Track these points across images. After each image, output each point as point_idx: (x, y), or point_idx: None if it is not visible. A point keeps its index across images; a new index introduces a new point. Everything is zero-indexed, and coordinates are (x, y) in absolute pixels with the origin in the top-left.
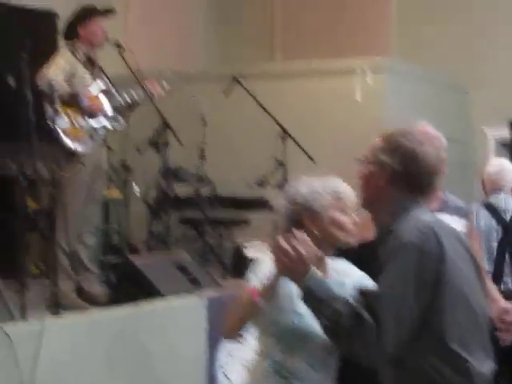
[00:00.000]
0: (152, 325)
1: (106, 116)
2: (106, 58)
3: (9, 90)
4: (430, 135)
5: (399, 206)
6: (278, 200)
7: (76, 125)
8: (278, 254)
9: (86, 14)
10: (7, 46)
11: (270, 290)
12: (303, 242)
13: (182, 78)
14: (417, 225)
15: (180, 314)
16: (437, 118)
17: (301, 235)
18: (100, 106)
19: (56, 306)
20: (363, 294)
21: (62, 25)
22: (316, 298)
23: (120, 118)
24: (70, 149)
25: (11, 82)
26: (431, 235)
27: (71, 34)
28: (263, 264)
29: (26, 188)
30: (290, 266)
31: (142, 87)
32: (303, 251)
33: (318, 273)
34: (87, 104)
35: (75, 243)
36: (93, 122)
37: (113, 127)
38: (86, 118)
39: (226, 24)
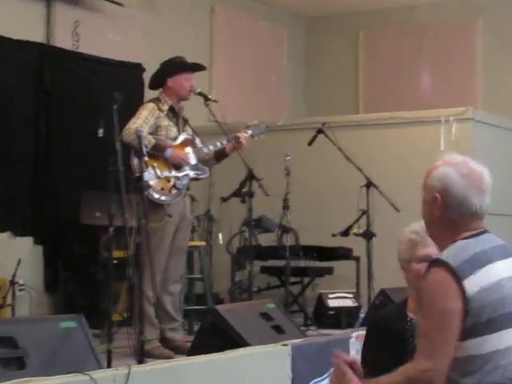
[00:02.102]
0: (236, 373)
1: (191, 167)
2: (192, 109)
3: (98, 140)
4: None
5: None
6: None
7: (161, 176)
8: None
9: (177, 67)
10: (96, 97)
11: None
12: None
13: (269, 128)
14: None
15: (265, 362)
16: None
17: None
18: (185, 157)
19: (141, 354)
20: None
21: (148, 77)
22: None
23: (205, 168)
24: (156, 200)
25: (101, 132)
26: None
27: (158, 84)
28: None
29: (113, 238)
30: None
31: (228, 138)
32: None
33: None
34: (172, 155)
35: (160, 292)
36: (178, 173)
37: (198, 177)
38: (171, 168)
39: (311, 79)
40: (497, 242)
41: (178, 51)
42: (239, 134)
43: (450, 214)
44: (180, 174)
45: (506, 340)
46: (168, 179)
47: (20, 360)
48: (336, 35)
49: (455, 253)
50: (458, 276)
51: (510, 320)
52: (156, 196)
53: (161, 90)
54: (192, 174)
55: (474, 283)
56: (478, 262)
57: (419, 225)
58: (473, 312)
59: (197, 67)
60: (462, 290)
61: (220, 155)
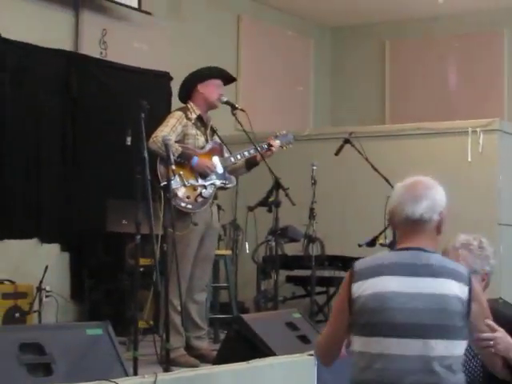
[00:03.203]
0: (262, 382)
1: (217, 175)
2: (219, 118)
3: (125, 148)
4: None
5: None
6: None
7: (187, 184)
8: None
9: (210, 72)
10: (123, 105)
11: None
12: None
13: (295, 138)
14: None
15: (290, 372)
16: None
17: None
18: (211, 166)
19: (167, 362)
20: None
21: (175, 86)
22: None
23: (232, 177)
24: (182, 208)
25: (129, 141)
26: None
27: (188, 92)
28: None
29: (140, 246)
30: None
31: (255, 147)
32: None
33: None
34: (198, 164)
35: (186, 300)
36: (204, 182)
37: (224, 187)
38: (198, 177)
39: (338, 89)
40: (416, 261)
41: (205, 60)
42: (272, 142)
43: (392, 223)
44: (206, 183)
45: (381, 347)
46: (194, 188)
47: (47, 366)
48: (362, 45)
49: (369, 259)
50: (351, 279)
51: (388, 330)
52: (182, 204)
53: (189, 100)
54: (218, 182)
55: (359, 288)
56: (373, 271)
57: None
58: (354, 312)
59: (228, 76)
60: (350, 292)
61: (251, 164)
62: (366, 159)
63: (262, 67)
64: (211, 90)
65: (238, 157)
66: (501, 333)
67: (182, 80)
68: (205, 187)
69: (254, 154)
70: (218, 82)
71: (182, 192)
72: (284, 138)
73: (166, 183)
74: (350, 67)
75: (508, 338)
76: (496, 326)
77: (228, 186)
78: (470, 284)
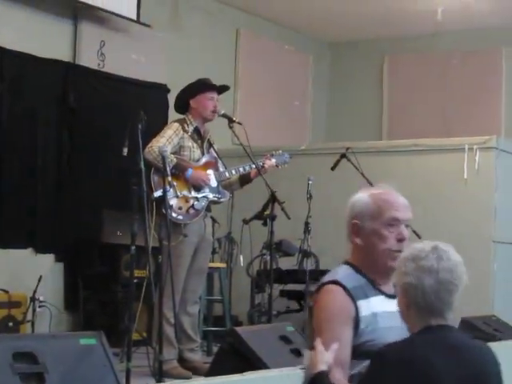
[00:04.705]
0: None
1: (211, 189)
2: (216, 131)
3: (122, 159)
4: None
5: None
6: None
7: (179, 195)
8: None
9: (197, 87)
10: (120, 117)
11: None
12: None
13: (292, 152)
14: None
15: None
16: None
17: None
18: (205, 179)
19: (160, 373)
20: None
21: (173, 98)
22: None
23: (225, 192)
24: (173, 219)
25: (125, 151)
26: None
27: (182, 106)
28: None
29: (135, 257)
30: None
31: (252, 161)
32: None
33: None
34: (192, 176)
35: (179, 312)
36: (197, 194)
37: (217, 201)
38: (191, 189)
39: (335, 104)
40: None
41: (202, 73)
42: (267, 161)
43: None
44: (199, 195)
45: None
46: (186, 199)
47: (40, 376)
48: (360, 61)
49: None
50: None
51: None
52: (173, 215)
53: (187, 112)
54: (211, 196)
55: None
56: None
57: None
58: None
59: (217, 86)
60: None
61: (244, 180)
62: (363, 174)
63: (260, 81)
64: (203, 103)
65: (233, 172)
66: (314, 352)
67: (176, 96)
68: (197, 199)
69: (248, 170)
70: (210, 94)
71: (174, 203)
72: (280, 157)
73: (160, 194)
74: (348, 82)
75: (319, 358)
76: (316, 344)
77: (221, 200)
78: (315, 294)
